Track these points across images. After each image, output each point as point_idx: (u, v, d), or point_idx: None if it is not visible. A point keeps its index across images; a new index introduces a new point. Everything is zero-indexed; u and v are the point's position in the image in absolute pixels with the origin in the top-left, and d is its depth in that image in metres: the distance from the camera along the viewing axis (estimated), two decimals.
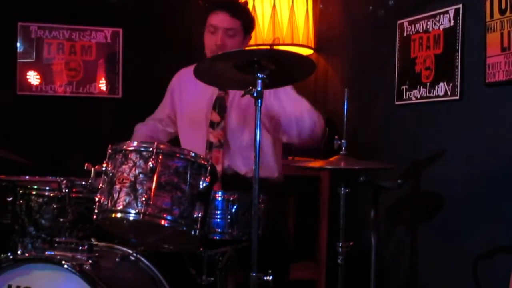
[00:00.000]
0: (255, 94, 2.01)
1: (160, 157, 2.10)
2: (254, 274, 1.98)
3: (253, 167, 2.02)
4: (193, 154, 2.14)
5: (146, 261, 2.38)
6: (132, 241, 2.37)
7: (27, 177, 2.74)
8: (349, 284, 2.49)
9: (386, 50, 3.18)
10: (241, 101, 2.74)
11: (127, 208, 2.05)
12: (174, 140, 2.99)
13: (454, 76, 2.72)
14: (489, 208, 2.56)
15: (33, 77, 3.81)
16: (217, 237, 2.17)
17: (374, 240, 2.48)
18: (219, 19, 2.75)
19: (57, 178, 2.42)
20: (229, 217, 2.16)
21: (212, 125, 2.77)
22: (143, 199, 2.04)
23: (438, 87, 2.81)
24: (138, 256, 2.39)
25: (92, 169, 2.18)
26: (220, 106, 2.80)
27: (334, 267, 2.49)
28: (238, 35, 2.78)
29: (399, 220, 3.12)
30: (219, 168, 2.69)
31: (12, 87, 3.77)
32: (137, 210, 2.04)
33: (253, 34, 3.24)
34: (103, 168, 2.15)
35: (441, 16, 2.81)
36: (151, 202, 2.04)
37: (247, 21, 2.84)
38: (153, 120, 3.05)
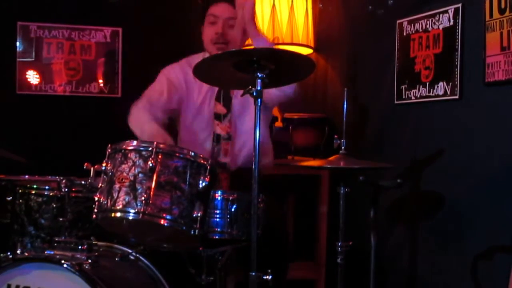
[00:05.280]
0: (254, 94, 2.01)
1: (160, 156, 2.10)
2: (253, 274, 1.98)
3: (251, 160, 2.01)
4: (192, 154, 2.15)
5: (145, 261, 2.39)
6: (132, 240, 2.37)
7: (26, 176, 2.74)
8: (349, 283, 2.49)
9: (385, 50, 3.18)
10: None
11: (127, 208, 2.05)
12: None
13: (453, 75, 2.72)
14: (489, 208, 2.55)
15: (32, 77, 3.81)
16: (217, 237, 2.17)
17: (373, 240, 2.48)
18: (220, 9, 2.77)
19: (57, 177, 2.42)
20: (228, 216, 2.16)
21: (219, 117, 2.77)
22: (143, 198, 2.04)
23: (437, 87, 2.81)
24: (137, 255, 2.39)
25: (92, 169, 2.18)
26: (225, 98, 2.80)
27: (334, 267, 2.49)
28: (239, 27, 2.76)
29: (398, 220, 3.12)
30: (228, 159, 2.69)
31: (11, 86, 3.77)
32: (136, 210, 2.04)
33: None
34: (103, 168, 2.15)
35: (441, 15, 2.81)
36: (150, 202, 2.04)
37: None
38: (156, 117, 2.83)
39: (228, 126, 2.77)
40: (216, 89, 2.82)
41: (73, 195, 2.37)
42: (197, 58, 2.70)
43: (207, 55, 2.78)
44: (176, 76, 2.88)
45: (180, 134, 2.86)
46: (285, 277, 2.67)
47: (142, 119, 2.69)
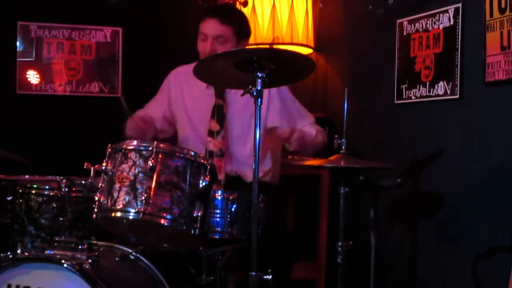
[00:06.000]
0: (254, 93, 2.01)
1: (160, 156, 2.10)
2: (253, 273, 1.98)
3: (259, 172, 2.02)
4: (192, 153, 2.15)
5: (145, 260, 2.38)
6: (132, 240, 2.37)
7: (26, 176, 2.74)
8: (349, 283, 2.49)
9: (385, 49, 3.18)
10: (243, 109, 2.74)
11: (127, 207, 2.05)
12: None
13: (453, 75, 2.72)
14: (489, 208, 2.56)
15: (32, 77, 3.81)
16: (217, 236, 2.17)
17: (373, 240, 2.48)
18: (209, 27, 2.74)
19: (57, 177, 2.42)
20: (228, 216, 2.16)
21: (212, 134, 2.77)
22: (143, 198, 2.04)
23: (437, 86, 2.81)
24: (137, 255, 2.38)
25: (92, 168, 2.18)
26: (219, 115, 2.79)
27: (334, 267, 2.49)
28: (230, 42, 2.74)
29: (398, 220, 3.12)
30: (221, 176, 2.69)
31: (11, 86, 3.77)
32: (136, 209, 2.04)
33: (252, 33, 3.24)
34: (103, 167, 2.15)
35: (441, 15, 2.81)
36: (150, 201, 2.04)
37: (239, 27, 2.80)
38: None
39: (221, 143, 2.77)
40: (212, 105, 2.82)
41: (73, 195, 2.37)
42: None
43: None
44: (167, 81, 2.97)
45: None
46: (289, 278, 2.67)
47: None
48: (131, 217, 2.07)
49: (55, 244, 2.21)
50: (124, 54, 3.91)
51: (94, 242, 2.29)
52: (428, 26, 2.89)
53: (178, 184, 2.09)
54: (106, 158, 2.17)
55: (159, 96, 3.00)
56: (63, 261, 2.09)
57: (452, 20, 2.74)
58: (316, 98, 3.89)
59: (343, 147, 2.40)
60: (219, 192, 2.18)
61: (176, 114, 2.92)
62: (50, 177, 2.65)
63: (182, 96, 2.91)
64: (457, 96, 2.71)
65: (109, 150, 2.18)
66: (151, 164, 2.06)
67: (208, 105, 2.81)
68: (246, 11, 3.66)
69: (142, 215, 2.04)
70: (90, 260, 2.12)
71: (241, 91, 2.05)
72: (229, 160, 2.76)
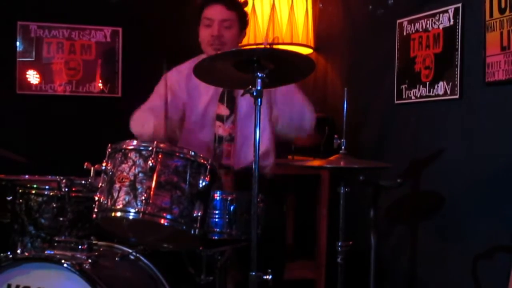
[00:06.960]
0: (254, 93, 2.01)
1: (160, 156, 2.09)
2: (253, 273, 1.98)
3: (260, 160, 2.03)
4: (192, 153, 2.14)
5: (145, 260, 2.38)
6: (132, 240, 2.37)
7: (26, 176, 2.74)
8: (349, 283, 2.49)
9: (385, 49, 3.18)
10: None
11: (127, 207, 2.05)
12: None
13: (453, 75, 2.72)
14: (489, 208, 2.56)
15: (32, 76, 3.81)
16: (216, 237, 2.17)
17: (373, 239, 2.48)
18: (215, 11, 2.76)
19: (57, 177, 2.42)
20: (227, 216, 2.15)
21: (221, 118, 2.77)
22: (143, 198, 2.04)
23: (437, 86, 2.81)
24: (137, 255, 2.39)
25: (92, 168, 2.18)
26: (228, 99, 2.79)
27: (334, 267, 2.49)
28: (234, 27, 2.78)
29: (398, 219, 3.12)
30: (230, 161, 2.69)
31: (11, 86, 3.77)
32: (136, 209, 2.04)
33: (252, 33, 3.24)
34: (103, 167, 2.15)
35: (441, 15, 2.81)
36: (150, 201, 2.04)
37: (242, 14, 2.85)
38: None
39: (231, 128, 2.76)
40: (220, 90, 2.81)
41: (73, 194, 2.37)
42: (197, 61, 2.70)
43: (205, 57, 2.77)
44: (177, 83, 2.88)
45: (181, 135, 2.86)
46: (282, 276, 2.66)
47: (142, 119, 2.73)
48: (131, 217, 2.07)
49: (55, 244, 2.22)
50: (124, 54, 3.91)
51: (94, 242, 2.29)
52: (428, 26, 2.89)
53: (178, 184, 2.08)
54: (106, 158, 2.17)
55: (157, 91, 2.89)
56: (63, 261, 2.09)
57: (452, 20, 2.74)
58: (316, 98, 3.89)
59: (343, 147, 2.40)
60: (218, 192, 2.17)
61: (185, 109, 2.88)
62: (50, 177, 2.65)
63: (186, 86, 2.88)
64: (457, 96, 2.71)
65: (109, 150, 2.18)
66: (151, 164, 2.06)
67: (216, 90, 2.81)
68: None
69: (142, 215, 2.04)
70: (90, 260, 2.13)
71: None
72: (238, 145, 2.75)
